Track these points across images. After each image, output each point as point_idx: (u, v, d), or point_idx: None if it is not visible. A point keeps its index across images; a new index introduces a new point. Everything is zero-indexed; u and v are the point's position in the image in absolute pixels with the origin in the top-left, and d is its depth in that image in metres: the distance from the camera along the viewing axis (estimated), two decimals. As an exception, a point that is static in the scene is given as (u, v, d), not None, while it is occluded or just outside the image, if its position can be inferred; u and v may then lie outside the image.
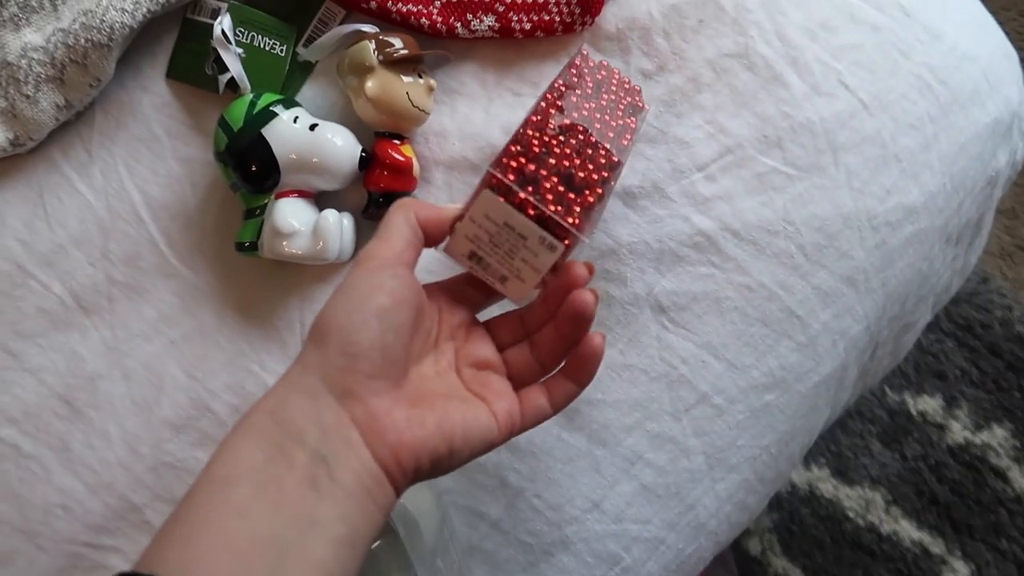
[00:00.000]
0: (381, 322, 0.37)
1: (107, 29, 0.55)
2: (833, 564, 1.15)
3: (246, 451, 0.34)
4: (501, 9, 0.57)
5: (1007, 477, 1.18)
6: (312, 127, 0.54)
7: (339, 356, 0.36)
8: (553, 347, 0.44)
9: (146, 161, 0.59)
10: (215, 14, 0.58)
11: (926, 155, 0.59)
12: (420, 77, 0.55)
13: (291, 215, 0.53)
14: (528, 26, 0.57)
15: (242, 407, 0.57)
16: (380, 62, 0.54)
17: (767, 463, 0.59)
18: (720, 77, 0.58)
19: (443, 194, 0.59)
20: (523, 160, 0.42)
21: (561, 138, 0.44)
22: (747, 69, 0.58)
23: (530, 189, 0.41)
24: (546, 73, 0.59)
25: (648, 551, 0.57)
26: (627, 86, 0.53)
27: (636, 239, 0.57)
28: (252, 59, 0.57)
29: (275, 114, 0.53)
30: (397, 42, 0.54)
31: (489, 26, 0.57)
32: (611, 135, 0.47)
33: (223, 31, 0.55)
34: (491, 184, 0.41)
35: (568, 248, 0.42)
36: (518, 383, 0.44)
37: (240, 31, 0.57)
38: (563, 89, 0.48)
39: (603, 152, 0.45)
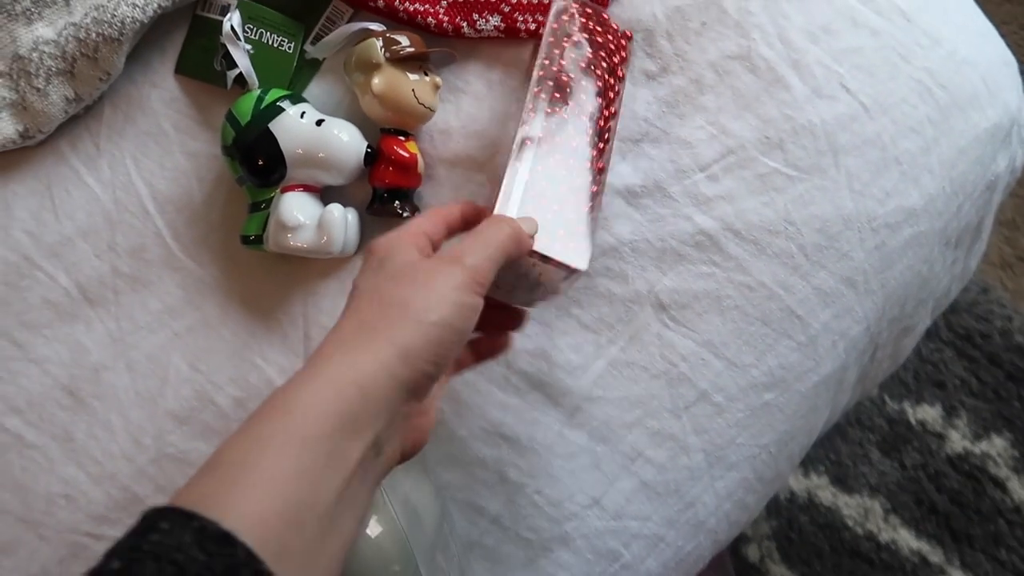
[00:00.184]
0: (471, 323, 0.39)
1: (118, 24, 0.55)
2: (831, 572, 1.15)
3: (322, 414, 0.34)
4: (507, 9, 0.58)
5: (1006, 487, 1.18)
6: (319, 122, 0.55)
7: (433, 347, 0.37)
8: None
9: (153, 155, 0.60)
10: (224, 11, 0.58)
11: (926, 158, 0.59)
12: (426, 75, 0.56)
13: (296, 209, 0.54)
14: (533, 26, 0.58)
15: (245, 400, 0.58)
16: (387, 59, 0.54)
17: (766, 462, 0.59)
18: (722, 79, 0.59)
19: (447, 191, 0.59)
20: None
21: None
22: (749, 71, 0.59)
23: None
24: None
25: (647, 548, 0.57)
26: (606, 24, 0.55)
27: (638, 237, 0.58)
28: (260, 56, 0.58)
29: (282, 109, 0.54)
30: (404, 40, 0.55)
31: (495, 26, 0.58)
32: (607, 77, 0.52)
33: (232, 27, 0.56)
34: None
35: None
36: None
37: (249, 28, 0.58)
38: (553, 57, 0.52)
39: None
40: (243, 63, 0.56)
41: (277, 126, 0.54)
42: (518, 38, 0.59)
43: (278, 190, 0.55)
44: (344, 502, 0.33)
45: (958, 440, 1.20)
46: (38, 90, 0.56)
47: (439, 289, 0.38)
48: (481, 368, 0.57)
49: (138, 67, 0.60)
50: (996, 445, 1.19)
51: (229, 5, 0.59)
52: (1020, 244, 1.28)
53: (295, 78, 0.59)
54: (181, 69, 0.60)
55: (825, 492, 1.18)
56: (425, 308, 0.37)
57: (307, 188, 0.56)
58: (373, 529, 0.49)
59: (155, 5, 0.56)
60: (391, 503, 0.50)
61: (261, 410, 0.34)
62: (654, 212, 0.58)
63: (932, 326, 1.22)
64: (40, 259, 0.59)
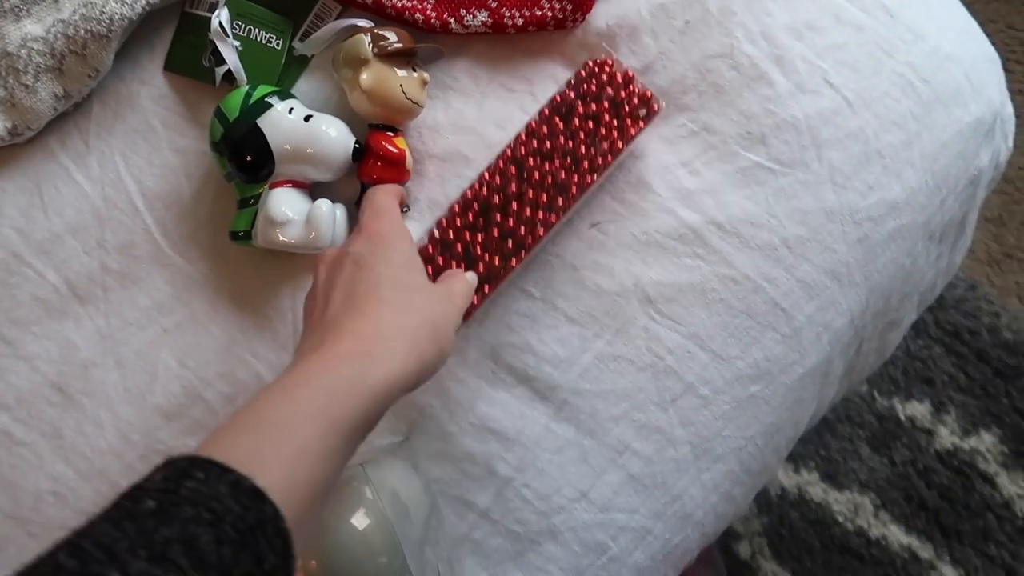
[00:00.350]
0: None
1: (106, 21, 0.56)
2: (822, 568, 1.16)
3: (355, 408, 0.37)
4: (494, 5, 0.58)
5: (995, 483, 1.19)
6: (307, 118, 0.55)
7: (437, 363, 0.44)
8: None
9: (142, 152, 0.60)
10: (213, 7, 0.59)
11: (908, 152, 0.60)
12: (414, 71, 0.56)
13: (285, 204, 0.54)
14: (520, 22, 0.59)
15: (234, 396, 0.58)
16: (375, 55, 0.55)
17: (753, 454, 0.60)
18: (705, 77, 0.60)
19: (436, 186, 0.60)
20: (432, 250, 0.54)
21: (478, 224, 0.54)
22: (732, 68, 0.59)
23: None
24: (538, 68, 0.60)
25: (635, 541, 0.58)
26: (634, 91, 0.56)
27: (623, 231, 0.58)
28: (249, 52, 0.58)
29: (270, 105, 0.54)
30: (392, 36, 0.55)
31: (482, 21, 0.59)
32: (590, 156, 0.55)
33: (220, 24, 0.56)
34: None
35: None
36: None
37: (237, 24, 0.58)
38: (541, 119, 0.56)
39: (518, 236, 0.54)
40: (231, 60, 0.56)
41: (265, 122, 0.54)
42: (505, 33, 0.60)
43: (266, 186, 0.55)
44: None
45: (947, 436, 1.20)
46: (27, 87, 0.56)
47: (453, 318, 0.46)
48: (469, 364, 0.57)
49: (127, 64, 0.61)
50: (985, 441, 1.20)
51: (217, 2, 0.59)
52: (1007, 241, 1.29)
53: (283, 74, 0.60)
54: (170, 66, 0.60)
55: (815, 488, 1.19)
56: (448, 332, 0.45)
57: (295, 184, 0.56)
58: (361, 522, 0.49)
59: (143, 2, 0.56)
60: (379, 497, 0.50)
61: (308, 381, 0.37)
62: (638, 207, 0.58)
63: (920, 322, 1.23)
64: (29, 256, 0.59)
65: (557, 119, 0.54)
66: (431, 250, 0.54)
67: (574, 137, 0.54)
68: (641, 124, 0.54)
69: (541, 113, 0.55)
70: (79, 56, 0.56)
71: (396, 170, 0.57)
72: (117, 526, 0.29)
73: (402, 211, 0.58)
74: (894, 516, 1.17)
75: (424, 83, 0.57)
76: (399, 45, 0.55)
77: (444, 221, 0.54)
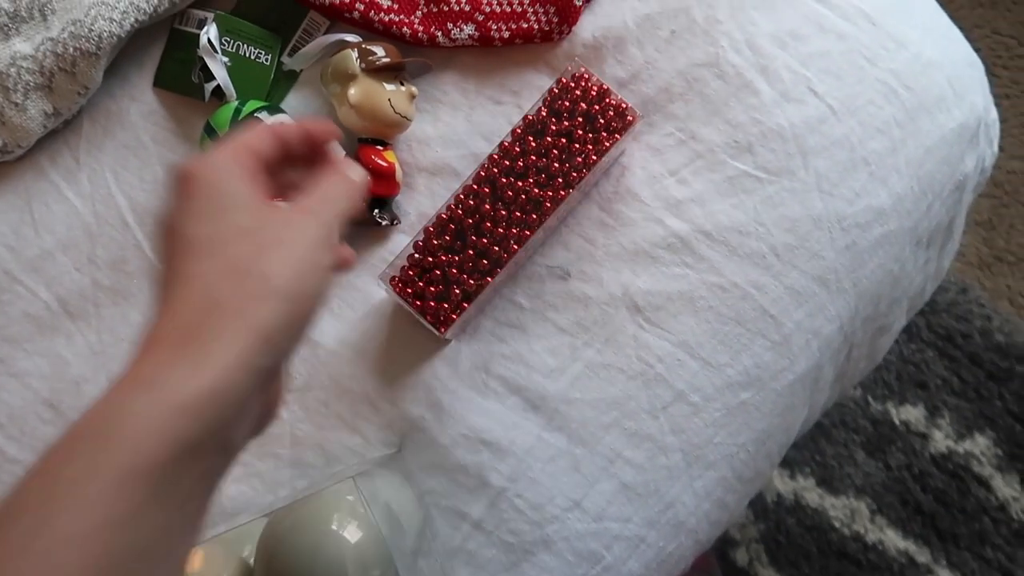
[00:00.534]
0: (330, 285, 0.35)
1: (95, 38, 0.56)
2: (819, 574, 1.15)
3: (155, 440, 0.27)
4: (480, 18, 0.59)
5: (990, 486, 1.19)
6: (295, 132, 0.55)
7: (297, 322, 0.31)
8: None
9: (133, 168, 0.60)
10: (202, 24, 0.59)
11: (894, 159, 0.60)
12: (402, 85, 0.57)
13: (275, 218, 0.54)
14: (507, 34, 0.59)
15: (226, 409, 0.58)
16: (363, 70, 0.55)
17: (745, 461, 0.60)
18: (691, 86, 0.60)
19: (426, 199, 0.60)
20: (412, 273, 0.55)
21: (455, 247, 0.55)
22: (718, 78, 0.60)
23: (418, 304, 0.54)
24: (525, 81, 0.61)
25: (629, 549, 0.58)
26: (611, 104, 0.56)
27: (611, 241, 0.59)
28: (238, 68, 0.59)
29: (260, 120, 0.55)
30: (379, 50, 0.56)
31: (469, 35, 0.59)
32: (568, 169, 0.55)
33: (209, 40, 0.56)
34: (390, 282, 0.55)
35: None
36: None
37: (226, 40, 0.59)
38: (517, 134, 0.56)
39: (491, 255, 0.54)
40: (221, 75, 0.57)
41: (254, 137, 0.54)
42: (492, 46, 0.60)
43: (256, 200, 0.56)
44: (176, 527, 0.28)
45: (941, 440, 1.21)
46: (16, 105, 0.57)
47: (297, 250, 0.31)
48: (460, 375, 0.58)
49: (116, 81, 0.61)
50: (979, 444, 1.20)
51: (206, 19, 0.59)
52: (997, 244, 1.29)
53: (272, 90, 0.60)
54: (159, 82, 0.61)
55: (811, 494, 1.19)
56: (287, 277, 0.30)
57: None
58: (353, 535, 0.49)
59: (132, 19, 0.57)
60: (371, 509, 0.50)
61: (70, 436, 0.27)
62: (626, 216, 0.59)
63: (913, 327, 1.23)
64: (20, 273, 0.60)
65: (530, 137, 0.55)
66: (410, 274, 0.54)
67: (547, 154, 0.55)
68: (616, 136, 0.55)
69: (514, 132, 0.55)
70: (68, 74, 0.57)
71: (386, 183, 0.57)
72: None
73: (392, 224, 0.58)
74: (890, 520, 1.18)
75: (412, 97, 0.57)
76: (387, 60, 0.56)
77: (420, 243, 0.54)
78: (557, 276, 0.59)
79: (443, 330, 0.54)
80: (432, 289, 0.54)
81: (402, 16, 0.59)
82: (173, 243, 0.32)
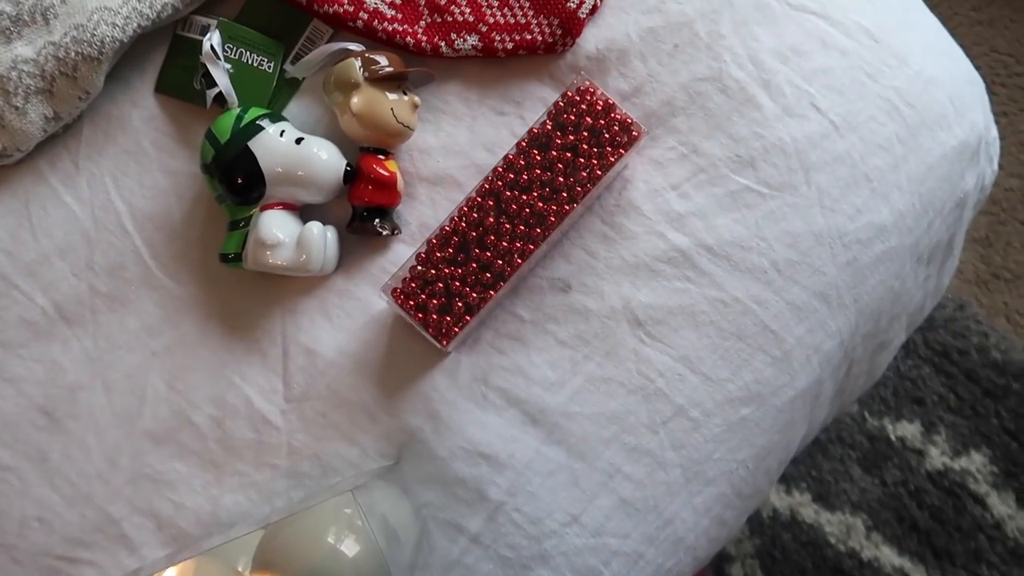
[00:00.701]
0: None
1: (98, 43, 0.56)
2: (815, 590, 1.15)
3: None
4: (484, 29, 0.59)
5: (986, 503, 1.19)
6: (298, 141, 0.55)
7: None
8: None
9: (133, 173, 0.60)
10: (204, 30, 0.59)
11: (895, 175, 0.60)
12: (405, 94, 0.57)
13: (276, 226, 0.54)
14: (511, 46, 0.59)
15: (223, 419, 0.58)
16: (366, 79, 0.55)
17: (744, 477, 0.60)
18: (694, 100, 0.60)
19: (427, 209, 0.60)
20: (414, 285, 0.54)
21: (458, 261, 0.55)
22: (721, 92, 0.60)
23: (420, 316, 0.54)
24: (528, 92, 0.61)
25: (627, 566, 0.57)
26: (615, 119, 0.56)
27: (612, 254, 0.58)
28: (240, 75, 0.59)
29: (262, 127, 0.55)
30: (383, 60, 0.56)
31: (472, 45, 0.59)
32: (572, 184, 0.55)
33: (212, 47, 0.56)
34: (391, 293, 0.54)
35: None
36: None
37: (229, 47, 0.59)
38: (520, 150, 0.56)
39: (494, 269, 0.54)
40: (223, 82, 0.56)
41: (257, 144, 0.54)
42: (496, 57, 0.60)
43: (257, 208, 0.55)
44: None
45: (937, 456, 1.21)
46: (16, 108, 0.56)
47: None
48: (460, 387, 0.57)
49: (118, 86, 0.61)
50: (975, 461, 1.20)
51: (209, 25, 0.59)
52: (994, 261, 1.30)
53: (274, 97, 0.60)
54: (161, 88, 0.60)
55: (807, 509, 1.19)
56: None
57: (286, 206, 0.56)
58: (351, 549, 0.48)
59: (135, 25, 0.57)
60: (369, 523, 0.49)
61: None
62: (628, 230, 0.59)
63: (910, 343, 1.23)
64: (16, 278, 0.59)
65: (535, 151, 0.55)
66: (413, 286, 0.54)
67: (552, 168, 0.55)
68: (621, 151, 0.55)
69: (519, 145, 0.55)
70: (70, 78, 0.56)
71: (387, 193, 0.57)
72: None
73: (393, 233, 0.58)
74: (886, 537, 1.17)
75: (415, 106, 0.57)
76: (390, 69, 0.56)
77: (423, 255, 0.54)
78: (558, 288, 0.59)
79: (445, 343, 0.54)
80: (434, 302, 0.54)
81: (406, 26, 0.59)
82: None
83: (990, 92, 0.69)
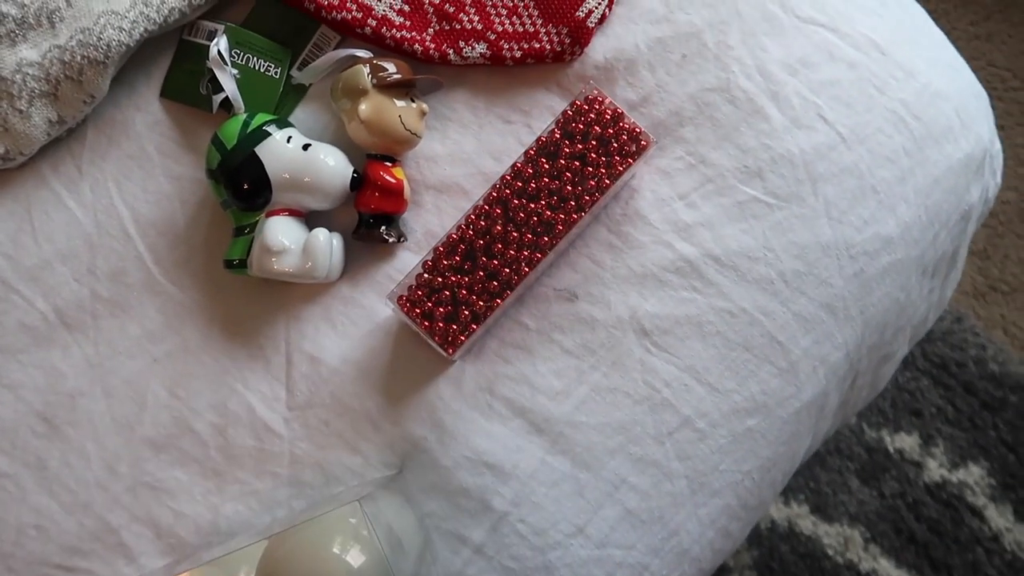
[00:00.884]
0: None
1: (104, 47, 0.55)
2: (813, 602, 1.15)
3: None
4: (492, 37, 0.59)
5: (984, 516, 1.19)
6: (305, 147, 0.55)
7: None
8: None
9: (136, 178, 0.60)
10: (211, 35, 0.59)
11: (902, 187, 0.60)
12: (413, 101, 0.56)
13: (282, 233, 0.54)
14: (519, 54, 0.59)
15: (224, 426, 0.57)
16: (374, 86, 0.55)
17: (749, 489, 0.59)
18: (702, 110, 0.60)
19: (433, 217, 0.60)
20: (420, 293, 0.54)
21: (464, 270, 0.54)
22: (728, 103, 0.60)
23: (426, 324, 0.54)
24: (536, 100, 0.61)
25: (631, 577, 0.57)
26: (624, 128, 0.55)
27: (619, 263, 0.58)
28: (247, 80, 0.58)
29: (268, 133, 0.54)
30: (391, 67, 0.56)
31: (481, 53, 0.59)
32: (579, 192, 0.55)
33: (219, 52, 0.56)
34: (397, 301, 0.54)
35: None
36: None
37: (236, 52, 0.58)
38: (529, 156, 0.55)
39: (502, 277, 0.54)
40: (230, 87, 0.56)
41: (263, 150, 0.54)
42: (504, 66, 0.60)
43: (263, 214, 0.55)
44: None
45: (935, 468, 1.21)
46: (20, 112, 0.56)
47: None
48: (464, 395, 0.57)
49: (123, 90, 0.60)
50: (973, 474, 1.20)
51: (216, 30, 0.59)
52: (992, 274, 1.30)
53: (281, 103, 0.60)
54: (166, 93, 0.60)
55: (806, 521, 1.18)
56: None
57: (292, 212, 0.56)
58: (356, 559, 0.48)
59: (142, 29, 0.56)
60: (376, 533, 0.49)
61: None
62: (635, 239, 0.59)
63: (908, 354, 1.23)
64: (17, 282, 0.58)
65: (543, 160, 0.55)
66: (419, 294, 0.54)
67: (560, 177, 0.55)
68: (630, 161, 0.55)
69: (527, 153, 0.55)
70: (75, 82, 0.56)
71: (394, 200, 0.57)
72: None
73: (399, 241, 0.58)
74: (884, 549, 1.17)
75: (423, 114, 0.57)
76: (398, 76, 0.55)
77: (429, 263, 0.54)
78: (564, 298, 0.58)
79: (451, 351, 0.54)
80: (440, 310, 0.54)
81: (414, 33, 0.59)
82: None
83: (991, 105, 0.69)
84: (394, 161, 0.57)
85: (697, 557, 0.59)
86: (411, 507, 0.56)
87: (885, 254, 0.60)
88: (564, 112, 0.55)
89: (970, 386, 1.24)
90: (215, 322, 0.58)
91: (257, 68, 0.59)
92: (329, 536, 0.48)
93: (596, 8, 0.59)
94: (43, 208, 0.59)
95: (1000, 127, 1.33)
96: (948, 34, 0.69)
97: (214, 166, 0.54)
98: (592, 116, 0.55)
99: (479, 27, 0.59)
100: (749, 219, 0.59)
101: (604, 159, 0.55)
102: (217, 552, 0.51)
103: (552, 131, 0.55)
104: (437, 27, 0.59)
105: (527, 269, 0.54)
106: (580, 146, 0.55)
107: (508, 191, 0.55)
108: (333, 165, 0.55)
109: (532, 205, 0.54)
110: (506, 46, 0.59)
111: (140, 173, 0.60)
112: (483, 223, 0.54)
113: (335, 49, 0.60)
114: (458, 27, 0.59)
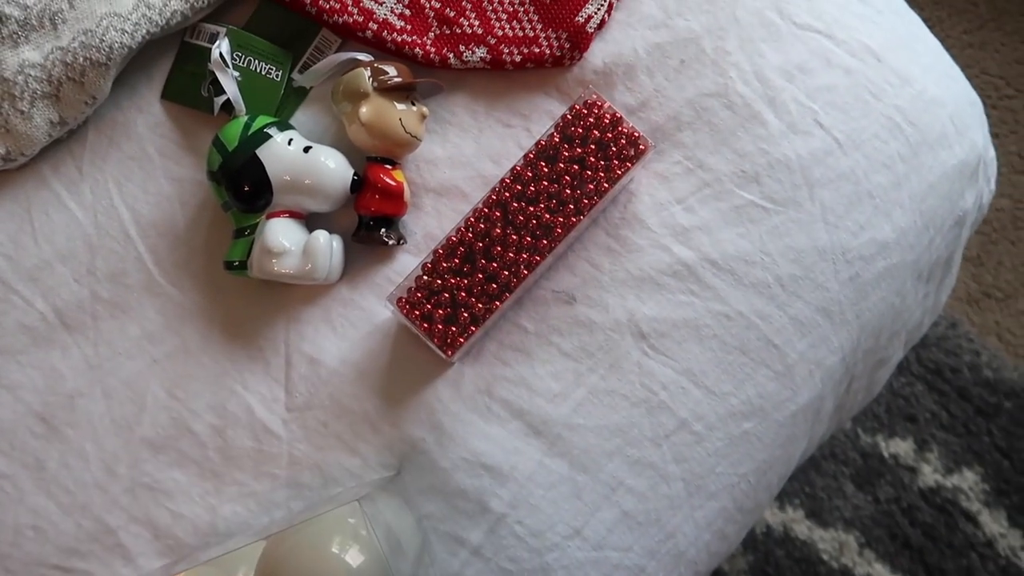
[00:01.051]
0: None
1: (106, 49, 0.56)
2: (808, 607, 1.15)
3: None
4: (492, 41, 0.59)
5: (978, 521, 1.19)
6: (306, 149, 0.55)
7: None
8: None
9: (137, 180, 0.60)
10: (213, 38, 0.59)
11: (897, 193, 0.61)
12: (413, 105, 0.57)
13: (282, 234, 0.54)
14: (519, 59, 0.59)
15: (223, 428, 0.57)
16: (374, 89, 0.55)
17: (746, 492, 0.60)
18: (700, 115, 0.61)
19: (432, 220, 0.60)
20: (419, 295, 0.54)
21: (464, 271, 0.55)
22: (726, 108, 0.61)
23: (425, 326, 0.54)
24: (535, 104, 0.61)
25: (628, 579, 0.57)
26: (622, 133, 0.56)
27: (617, 267, 0.59)
28: (248, 83, 0.59)
29: (270, 135, 0.55)
30: (391, 70, 0.56)
31: (481, 57, 0.59)
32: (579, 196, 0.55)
33: (221, 54, 0.56)
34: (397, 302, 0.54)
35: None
36: None
37: (237, 55, 0.59)
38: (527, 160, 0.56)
39: (500, 280, 0.54)
40: (231, 90, 0.56)
41: (264, 152, 0.54)
42: (504, 70, 0.60)
43: (263, 216, 0.55)
44: None
45: (930, 474, 1.21)
46: (22, 113, 0.56)
47: None
48: (463, 397, 0.57)
49: (124, 92, 0.61)
50: (967, 479, 1.21)
51: (218, 33, 0.59)
52: (985, 280, 1.31)
53: (281, 106, 0.60)
54: (167, 95, 0.60)
55: (801, 526, 1.19)
56: None
57: (293, 214, 0.56)
58: (355, 559, 0.48)
59: (144, 31, 0.57)
60: (375, 533, 0.49)
61: None
62: (633, 243, 0.59)
63: (903, 360, 1.24)
64: (17, 283, 0.59)
65: (542, 163, 0.55)
66: (418, 296, 0.54)
67: (559, 180, 0.55)
68: (628, 165, 0.55)
69: (526, 157, 0.55)
70: (77, 83, 0.56)
71: (394, 203, 0.57)
72: None
73: (398, 243, 0.58)
74: (879, 554, 1.17)
75: (423, 117, 0.57)
76: (399, 79, 0.56)
77: (429, 265, 0.54)
78: (562, 300, 0.59)
79: (450, 353, 0.54)
80: (440, 312, 0.54)
81: (415, 37, 0.59)
82: None
83: (985, 112, 0.70)
84: (394, 164, 0.58)
85: (693, 559, 0.59)
86: (409, 508, 0.56)
87: (881, 259, 0.61)
88: (563, 116, 0.56)
89: (964, 392, 1.24)
90: (215, 323, 0.59)
91: (258, 71, 0.59)
92: (328, 535, 0.48)
93: (595, 13, 0.60)
94: (43, 209, 0.59)
95: (994, 135, 1.33)
96: (942, 42, 0.69)
97: (215, 168, 0.55)
98: (591, 120, 0.55)
99: (479, 31, 0.60)
100: (746, 223, 0.59)
101: (603, 163, 0.55)
102: (215, 552, 0.51)
103: (551, 135, 0.55)
104: (438, 31, 0.60)
105: (526, 272, 0.54)
106: (579, 150, 0.55)
107: (507, 194, 0.55)
108: (334, 167, 0.55)
109: (531, 208, 0.55)
110: (506, 50, 0.59)
111: (141, 174, 0.60)
112: (482, 226, 0.55)
113: (336, 52, 0.60)
114: (458, 31, 0.60)
